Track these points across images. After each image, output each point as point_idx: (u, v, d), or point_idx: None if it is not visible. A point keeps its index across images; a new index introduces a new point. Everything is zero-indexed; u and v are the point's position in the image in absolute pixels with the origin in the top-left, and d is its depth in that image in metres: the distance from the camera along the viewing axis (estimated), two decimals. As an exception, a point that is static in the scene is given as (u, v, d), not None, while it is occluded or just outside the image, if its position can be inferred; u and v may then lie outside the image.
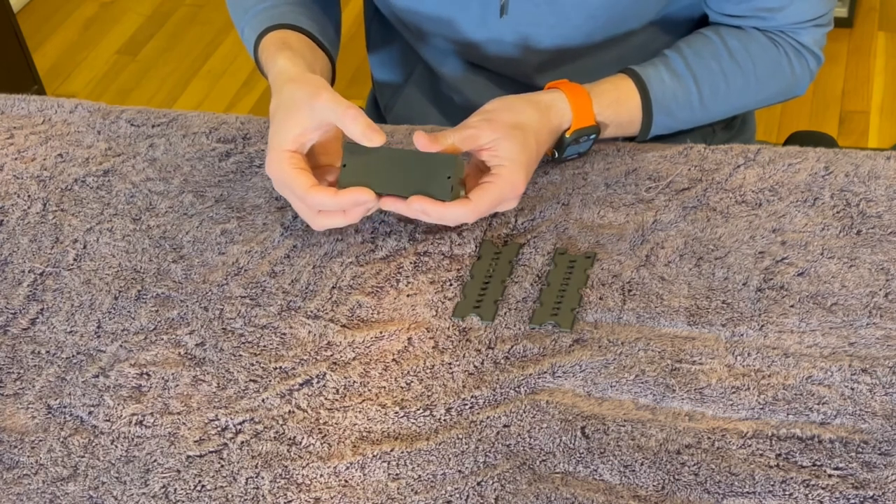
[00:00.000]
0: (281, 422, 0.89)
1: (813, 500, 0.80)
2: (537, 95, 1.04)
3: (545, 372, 0.90)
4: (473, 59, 1.17)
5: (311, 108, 0.97)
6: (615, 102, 1.06)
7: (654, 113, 1.08)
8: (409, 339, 0.94)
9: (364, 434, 0.87)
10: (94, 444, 0.89)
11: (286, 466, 0.86)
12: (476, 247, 1.02)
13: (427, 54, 1.21)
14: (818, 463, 0.83)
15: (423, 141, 0.96)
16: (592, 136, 1.06)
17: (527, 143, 0.99)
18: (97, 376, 0.94)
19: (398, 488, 0.84)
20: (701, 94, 1.09)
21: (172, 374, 0.93)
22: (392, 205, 0.97)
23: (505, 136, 0.98)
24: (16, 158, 1.16)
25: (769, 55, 1.11)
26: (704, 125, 1.17)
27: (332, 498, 0.83)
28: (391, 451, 0.86)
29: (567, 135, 1.04)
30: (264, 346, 0.95)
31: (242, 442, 0.88)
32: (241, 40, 1.17)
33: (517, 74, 1.16)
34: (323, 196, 0.95)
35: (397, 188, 0.97)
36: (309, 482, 0.85)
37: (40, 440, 0.89)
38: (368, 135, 0.94)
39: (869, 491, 0.81)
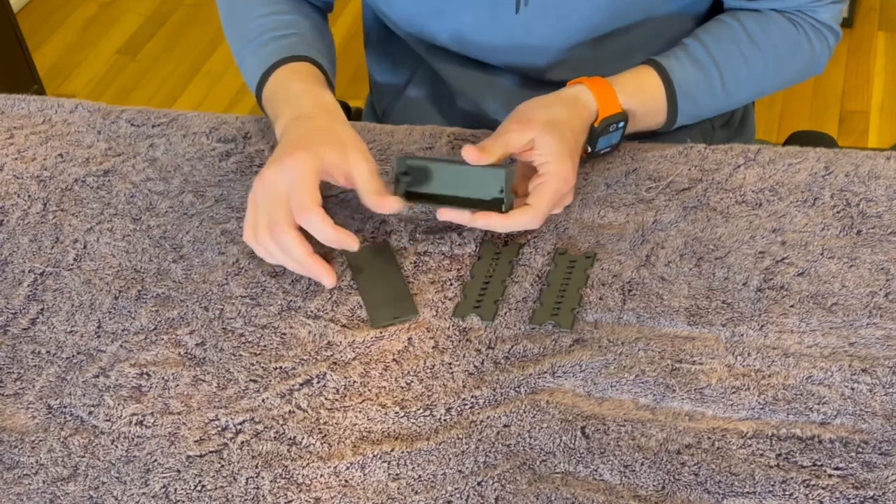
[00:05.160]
0: (281, 422, 0.89)
1: (813, 500, 0.80)
2: (561, 91, 1.05)
3: (545, 372, 0.90)
4: (480, 57, 1.17)
5: (356, 151, 0.98)
6: (639, 90, 1.07)
7: (678, 100, 1.08)
8: (409, 339, 0.94)
9: (364, 434, 0.87)
10: (94, 444, 0.89)
11: (286, 466, 0.86)
12: (476, 247, 1.02)
13: (430, 55, 1.21)
14: (818, 463, 0.83)
15: (473, 155, 0.96)
16: (622, 125, 1.06)
17: (564, 136, 1.00)
18: (97, 376, 0.94)
19: (398, 488, 0.84)
20: (723, 80, 1.09)
21: (172, 374, 0.93)
22: (451, 215, 0.98)
23: (543, 133, 0.99)
24: (16, 158, 1.16)
25: (788, 36, 1.11)
26: (704, 121, 1.17)
27: (332, 498, 0.83)
28: (391, 451, 0.86)
29: (595, 125, 1.04)
30: (264, 346, 0.95)
31: (242, 442, 0.88)
32: (238, 66, 1.16)
33: (524, 70, 1.16)
34: (320, 221, 0.95)
35: (454, 200, 0.98)
36: (309, 482, 0.85)
37: (40, 440, 0.89)
38: (380, 201, 0.97)
39: (869, 491, 0.81)
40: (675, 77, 1.08)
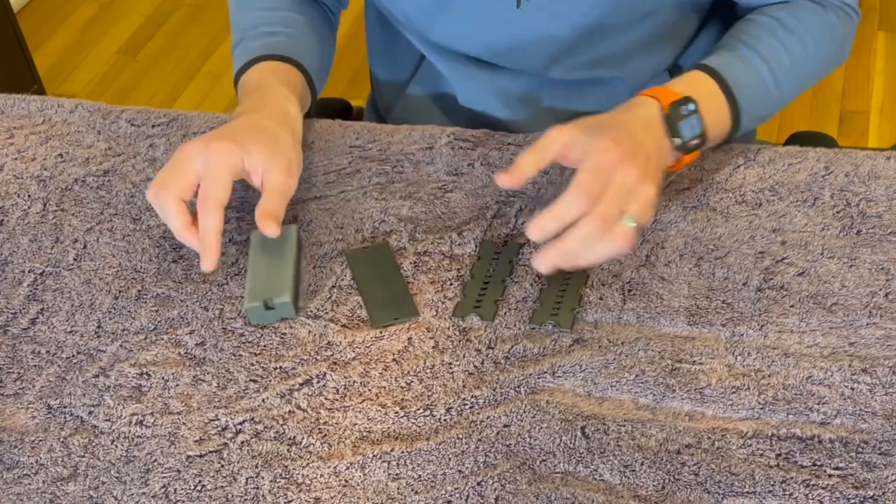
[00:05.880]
0: (281, 422, 0.89)
1: (813, 500, 0.80)
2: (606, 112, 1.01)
3: (545, 372, 0.90)
4: (481, 54, 1.17)
5: (283, 163, 0.98)
6: (691, 85, 1.01)
7: (735, 94, 1.03)
8: (409, 339, 0.94)
9: (364, 434, 0.87)
10: (94, 444, 0.89)
11: (286, 466, 0.86)
12: (476, 247, 1.02)
13: (431, 52, 1.21)
14: (818, 463, 0.83)
15: (505, 179, 0.93)
16: (692, 108, 0.99)
17: (603, 132, 0.94)
18: (97, 376, 0.94)
19: (398, 488, 0.84)
20: (771, 70, 1.06)
21: (172, 373, 0.93)
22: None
23: (581, 133, 0.94)
24: (16, 158, 1.16)
25: (818, 18, 1.10)
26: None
27: (332, 498, 0.84)
28: (391, 451, 0.86)
29: (665, 112, 0.98)
30: (264, 346, 0.95)
31: (242, 442, 0.88)
32: (231, 49, 1.17)
33: (525, 67, 1.16)
34: (211, 219, 0.95)
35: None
36: (309, 482, 0.85)
37: (40, 440, 0.89)
38: (266, 223, 0.96)
39: (869, 491, 0.81)
40: (725, 73, 1.03)
